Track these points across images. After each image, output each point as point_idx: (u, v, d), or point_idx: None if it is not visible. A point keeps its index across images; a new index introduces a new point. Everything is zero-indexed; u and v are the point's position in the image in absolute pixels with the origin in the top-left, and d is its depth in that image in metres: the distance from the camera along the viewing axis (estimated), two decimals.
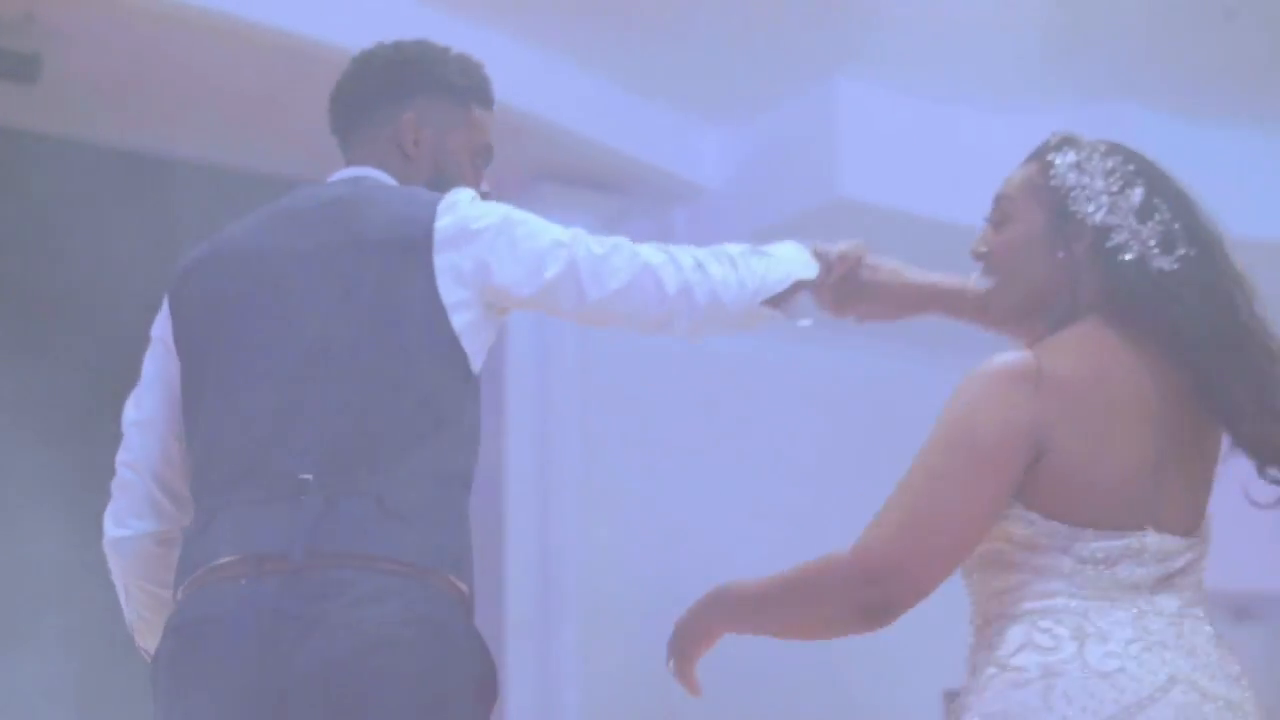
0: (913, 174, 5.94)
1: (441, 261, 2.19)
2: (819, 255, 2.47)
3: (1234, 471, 1.98)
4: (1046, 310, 1.99)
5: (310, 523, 2.07)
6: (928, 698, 6.16)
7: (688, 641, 2.04)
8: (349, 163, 2.41)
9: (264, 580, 2.05)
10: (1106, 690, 1.80)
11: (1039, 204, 1.99)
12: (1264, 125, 6.58)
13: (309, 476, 2.09)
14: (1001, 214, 2.05)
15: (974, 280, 2.11)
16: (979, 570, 1.96)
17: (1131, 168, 1.99)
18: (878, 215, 5.80)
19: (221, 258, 2.30)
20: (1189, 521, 1.94)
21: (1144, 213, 1.94)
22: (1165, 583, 1.89)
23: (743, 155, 6.22)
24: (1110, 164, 1.99)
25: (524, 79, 5.37)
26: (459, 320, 2.19)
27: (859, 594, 1.87)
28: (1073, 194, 1.96)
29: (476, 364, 2.23)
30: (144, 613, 2.36)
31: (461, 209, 2.25)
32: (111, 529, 2.35)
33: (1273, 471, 1.95)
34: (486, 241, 2.22)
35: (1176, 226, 1.94)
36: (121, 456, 2.34)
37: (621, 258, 2.30)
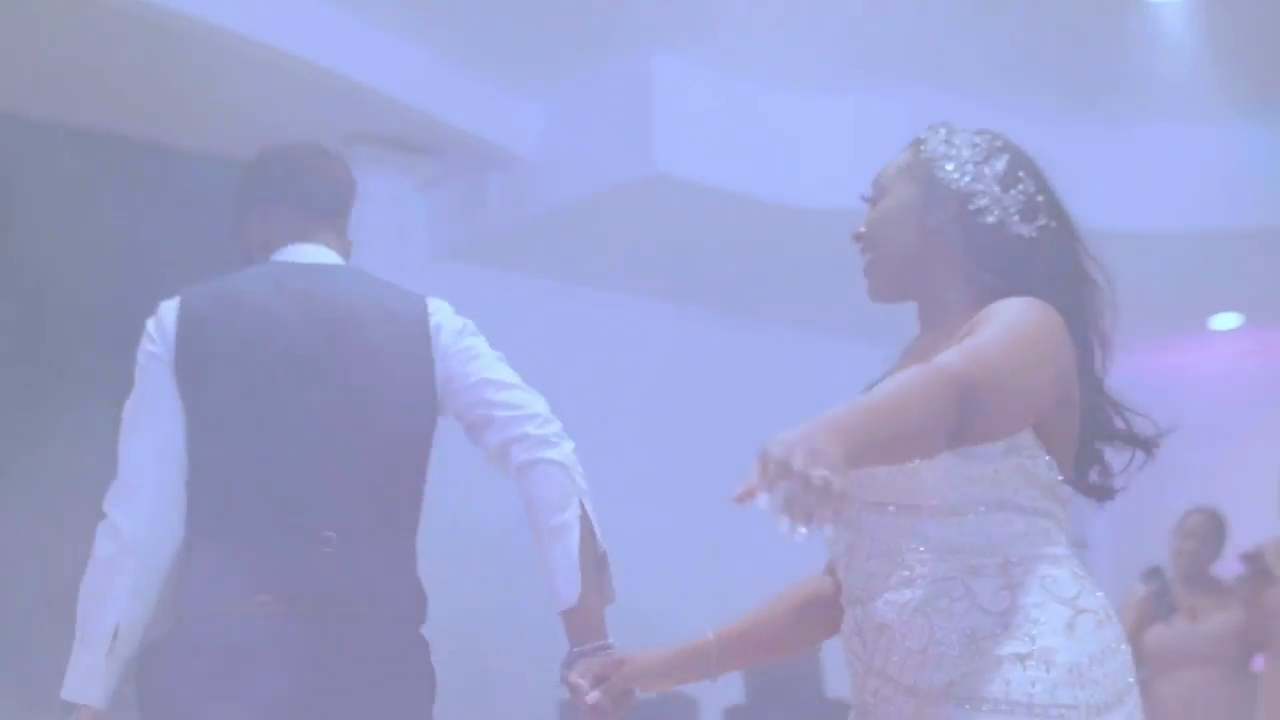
0: (725, 151, 6.00)
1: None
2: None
3: None
4: (925, 279, 2.05)
5: (334, 570, 2.49)
6: None
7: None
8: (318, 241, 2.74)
9: (298, 618, 2.46)
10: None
11: (911, 178, 2.06)
12: (1064, 112, 6.71)
13: (332, 534, 2.50)
14: (877, 192, 2.11)
15: (708, 637, 2.18)
16: (994, 511, 1.92)
17: (998, 144, 2.07)
18: (690, 190, 5.89)
19: (240, 308, 2.59)
20: None
21: (1007, 181, 2.02)
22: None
23: (559, 126, 6.21)
24: (978, 139, 2.06)
25: (341, 42, 5.35)
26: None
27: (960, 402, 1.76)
28: (939, 163, 2.04)
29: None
30: (137, 620, 2.48)
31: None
32: (133, 528, 2.49)
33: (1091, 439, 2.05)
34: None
35: (1040, 199, 2.02)
36: (135, 459, 2.53)
37: None
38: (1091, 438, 2.05)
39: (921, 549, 1.91)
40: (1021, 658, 1.84)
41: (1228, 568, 5.51)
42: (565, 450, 2.55)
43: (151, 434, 2.53)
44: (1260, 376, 8.15)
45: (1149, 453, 2.07)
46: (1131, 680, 1.91)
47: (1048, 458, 1.94)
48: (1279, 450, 6.26)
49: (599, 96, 6.10)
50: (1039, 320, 1.91)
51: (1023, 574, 1.89)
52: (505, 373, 2.63)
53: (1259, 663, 5.36)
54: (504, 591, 4.73)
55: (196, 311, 2.59)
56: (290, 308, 2.59)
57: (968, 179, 2.01)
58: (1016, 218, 2.00)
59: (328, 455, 2.53)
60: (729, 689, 6.55)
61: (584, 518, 2.50)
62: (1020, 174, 2.03)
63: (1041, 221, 2.01)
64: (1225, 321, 8.07)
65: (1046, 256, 2.00)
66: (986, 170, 2.02)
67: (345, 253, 2.77)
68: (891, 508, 1.93)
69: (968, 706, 1.83)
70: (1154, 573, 5.39)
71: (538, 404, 2.59)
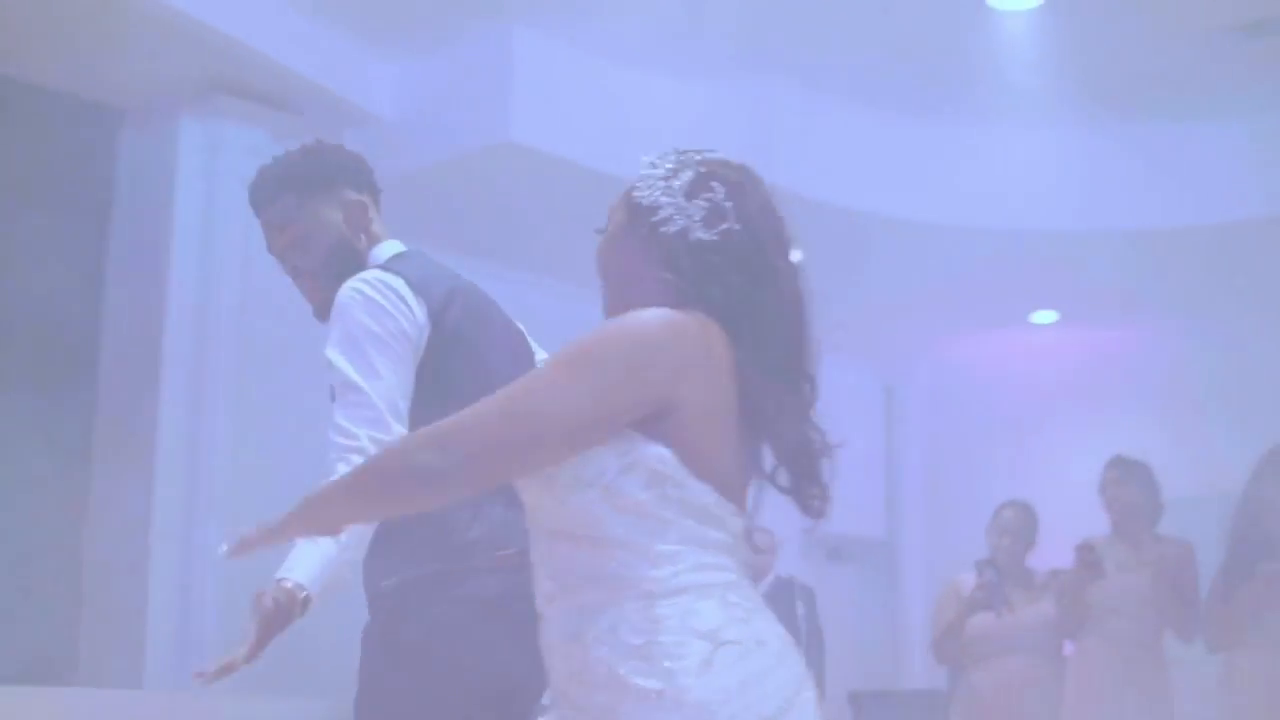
0: (578, 124, 6.02)
1: None
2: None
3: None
4: (648, 296, 2.08)
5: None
6: (835, 699, 6.73)
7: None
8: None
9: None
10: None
11: (626, 206, 2.16)
12: (905, 113, 6.47)
13: None
14: (605, 222, 2.21)
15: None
16: (638, 540, 1.98)
17: (694, 160, 2.16)
18: (542, 160, 6.09)
19: (468, 295, 2.89)
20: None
21: (693, 192, 2.11)
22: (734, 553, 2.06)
23: (418, 90, 6.04)
24: (672, 157, 2.17)
25: None
26: None
27: None
28: (636, 186, 2.15)
29: None
30: (366, 533, 2.62)
31: None
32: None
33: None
34: None
35: (728, 205, 2.10)
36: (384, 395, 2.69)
37: None
38: (771, 437, 2.09)
39: (576, 576, 2.00)
40: (657, 694, 1.90)
41: (1039, 559, 5.67)
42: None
43: (400, 378, 2.71)
44: (1072, 373, 8.44)
45: (829, 459, 2.12)
46: (786, 701, 1.94)
47: (702, 484, 1.99)
48: (1090, 445, 6.45)
49: (458, 63, 6.04)
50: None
51: (667, 607, 1.94)
52: None
53: (1068, 648, 5.58)
54: None
55: (438, 299, 2.82)
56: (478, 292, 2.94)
57: (656, 194, 2.12)
58: (699, 225, 2.09)
59: None
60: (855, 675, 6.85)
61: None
62: (713, 184, 2.11)
63: (725, 225, 2.09)
64: (1044, 317, 8.32)
65: (729, 257, 2.08)
66: (675, 184, 2.12)
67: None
68: (561, 535, 2.02)
69: None
70: (987, 564, 5.48)
71: None
